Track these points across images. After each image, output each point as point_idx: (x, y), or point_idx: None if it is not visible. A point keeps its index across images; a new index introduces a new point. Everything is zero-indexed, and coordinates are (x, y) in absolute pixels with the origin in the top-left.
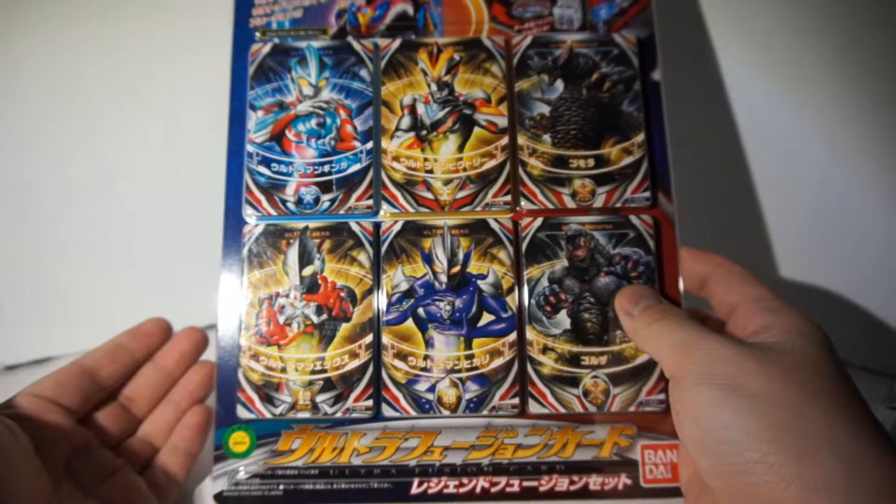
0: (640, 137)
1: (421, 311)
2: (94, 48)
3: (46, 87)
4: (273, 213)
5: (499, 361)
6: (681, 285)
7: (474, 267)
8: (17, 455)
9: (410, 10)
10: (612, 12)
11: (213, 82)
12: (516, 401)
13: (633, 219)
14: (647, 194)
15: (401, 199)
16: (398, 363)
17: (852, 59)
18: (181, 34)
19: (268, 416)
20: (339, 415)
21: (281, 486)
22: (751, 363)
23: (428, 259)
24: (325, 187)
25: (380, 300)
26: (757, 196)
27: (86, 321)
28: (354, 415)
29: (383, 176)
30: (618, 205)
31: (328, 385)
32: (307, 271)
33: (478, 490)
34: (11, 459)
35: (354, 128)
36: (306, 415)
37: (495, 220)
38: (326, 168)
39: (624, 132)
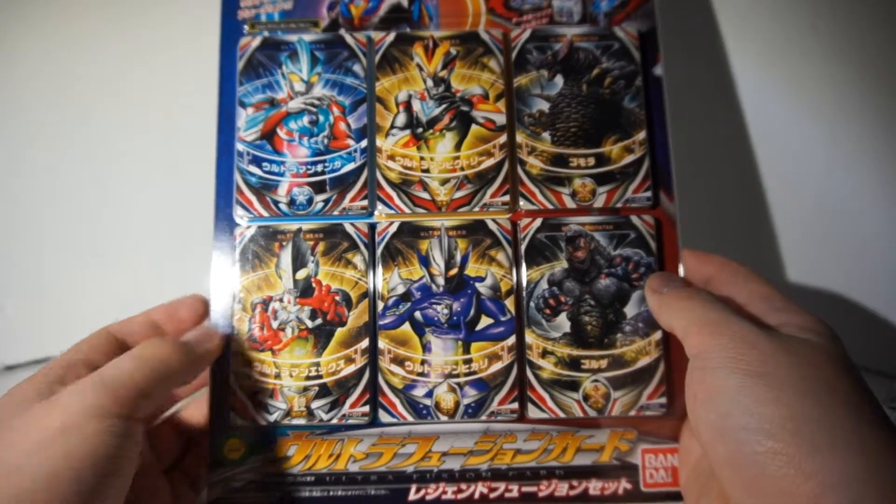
0: (642, 135)
1: (418, 314)
2: (79, 49)
3: (41, 89)
4: (265, 214)
5: (497, 366)
6: None
7: (472, 269)
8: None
9: (405, 1)
10: (613, 4)
11: (202, 78)
12: (515, 405)
13: (635, 219)
14: (649, 194)
15: (396, 200)
16: (395, 368)
17: (859, 56)
18: (168, 28)
19: (262, 422)
20: (335, 421)
21: (277, 494)
22: (781, 352)
23: (425, 261)
24: (318, 187)
25: (376, 304)
26: (762, 195)
27: (85, 321)
28: (351, 421)
29: (378, 175)
30: (619, 205)
31: (324, 391)
32: (301, 274)
33: (476, 496)
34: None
35: (348, 125)
36: (302, 421)
37: (493, 220)
38: (319, 167)
39: (625, 130)
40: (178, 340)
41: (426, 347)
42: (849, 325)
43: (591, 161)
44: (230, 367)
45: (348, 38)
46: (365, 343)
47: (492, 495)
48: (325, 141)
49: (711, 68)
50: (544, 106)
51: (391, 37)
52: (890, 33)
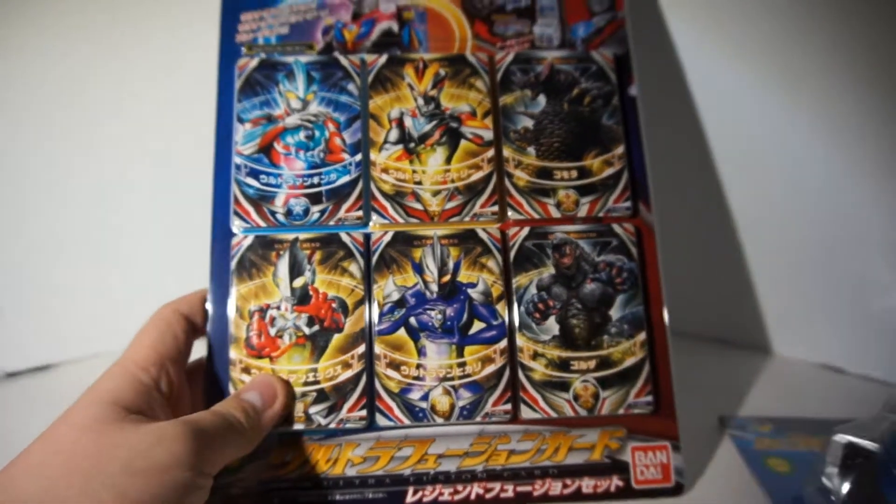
0: (620, 150)
1: (413, 320)
2: (87, 68)
3: (46, 102)
4: (262, 224)
5: (490, 368)
6: (663, 291)
7: (464, 276)
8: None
9: (395, 27)
10: (590, 30)
11: (200, 96)
12: (509, 406)
13: (616, 227)
14: (629, 204)
15: (390, 210)
16: (391, 372)
17: (832, 70)
18: (170, 48)
19: None
20: (332, 426)
21: (275, 500)
22: None
23: (418, 269)
24: (314, 199)
25: (371, 310)
26: (735, 203)
27: (85, 328)
28: (348, 425)
29: (373, 187)
30: (601, 214)
31: (321, 396)
32: (298, 283)
33: (472, 497)
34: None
35: (343, 140)
36: (300, 427)
37: (484, 229)
38: (316, 179)
39: (604, 145)
40: (251, 408)
41: (421, 352)
42: (847, 334)
43: (574, 174)
44: (228, 374)
45: (342, 60)
46: (361, 348)
47: (487, 496)
48: (321, 155)
49: (684, 85)
50: (529, 123)
51: (383, 59)
52: (883, 34)
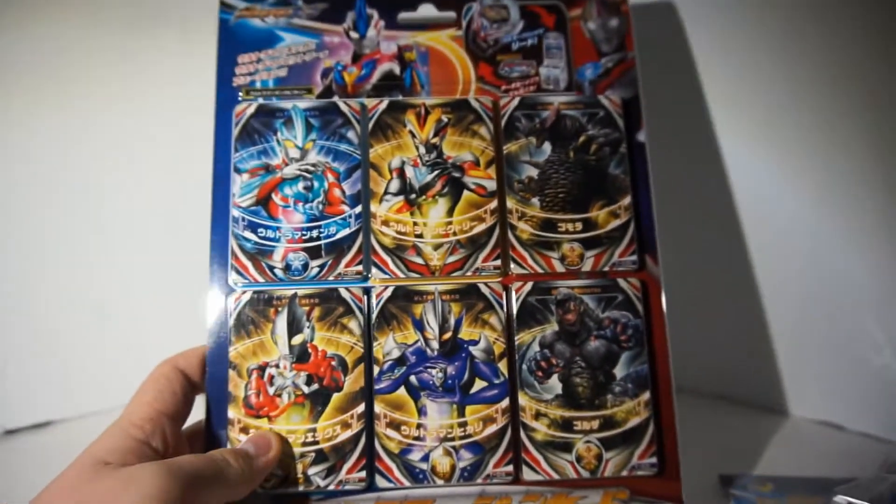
0: (627, 200)
1: (413, 378)
2: (83, 119)
3: (45, 157)
4: (260, 279)
5: (492, 428)
6: (669, 347)
7: (466, 333)
8: None
9: (397, 69)
10: (598, 72)
11: (197, 144)
12: (510, 468)
13: (622, 282)
14: (635, 258)
15: (391, 265)
16: (391, 432)
17: (843, 121)
18: (165, 95)
19: (259, 490)
20: (332, 487)
21: None
22: None
23: (419, 325)
24: (313, 253)
25: (372, 368)
26: (745, 257)
27: (85, 386)
28: (347, 487)
29: (373, 241)
30: (606, 268)
31: (320, 457)
32: (296, 340)
33: None
34: None
35: (343, 191)
36: (299, 488)
37: (486, 284)
38: (315, 233)
39: (611, 195)
40: (243, 454)
41: (421, 411)
42: (846, 391)
43: (579, 226)
44: (226, 434)
45: (342, 106)
46: (361, 408)
47: None
48: (320, 207)
49: (694, 133)
50: (533, 172)
51: (384, 104)
52: (875, 97)
